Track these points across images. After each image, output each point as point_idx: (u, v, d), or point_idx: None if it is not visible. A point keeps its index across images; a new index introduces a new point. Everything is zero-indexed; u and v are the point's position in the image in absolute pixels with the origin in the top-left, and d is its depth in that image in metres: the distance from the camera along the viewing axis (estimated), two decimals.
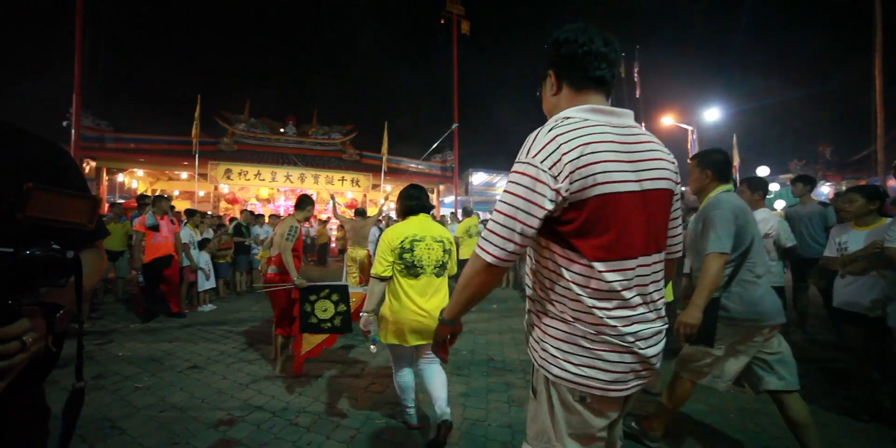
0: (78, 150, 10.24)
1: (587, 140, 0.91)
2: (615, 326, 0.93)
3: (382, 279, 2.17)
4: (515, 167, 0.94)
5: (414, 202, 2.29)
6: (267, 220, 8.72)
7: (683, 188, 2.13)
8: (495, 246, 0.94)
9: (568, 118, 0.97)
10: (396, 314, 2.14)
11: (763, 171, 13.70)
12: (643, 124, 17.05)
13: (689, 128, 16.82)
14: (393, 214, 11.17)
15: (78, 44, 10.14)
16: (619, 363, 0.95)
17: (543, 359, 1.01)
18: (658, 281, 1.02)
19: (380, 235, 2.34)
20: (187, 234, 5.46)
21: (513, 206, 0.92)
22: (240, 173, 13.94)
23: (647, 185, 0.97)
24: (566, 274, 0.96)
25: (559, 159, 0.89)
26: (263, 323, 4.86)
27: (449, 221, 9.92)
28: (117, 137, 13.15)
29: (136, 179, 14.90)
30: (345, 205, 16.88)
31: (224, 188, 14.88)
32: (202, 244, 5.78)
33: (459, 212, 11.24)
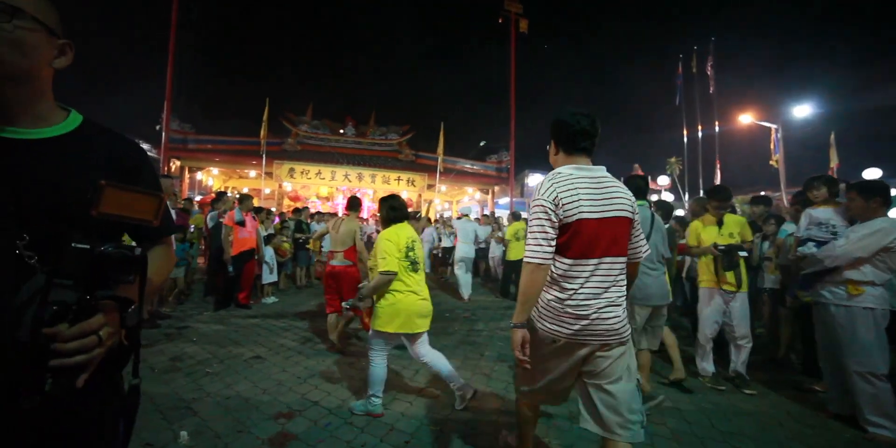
0: (167, 151, 11.32)
1: (570, 187, 1.52)
2: (578, 300, 1.52)
3: (393, 274, 2.51)
4: (535, 202, 1.54)
5: (399, 212, 2.70)
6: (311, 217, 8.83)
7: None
8: (537, 252, 1.49)
9: (560, 173, 1.58)
10: (409, 306, 2.53)
11: (873, 173, 11.63)
12: (717, 123, 15.71)
13: (773, 126, 15.22)
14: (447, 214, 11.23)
15: (171, 56, 11.22)
16: (574, 323, 1.52)
17: (536, 314, 1.62)
18: (616, 275, 1.55)
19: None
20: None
21: (540, 223, 1.50)
22: (302, 172, 14.69)
23: (608, 214, 1.52)
24: (553, 267, 1.55)
25: (555, 197, 1.50)
26: (321, 319, 5.01)
27: (506, 223, 9.79)
28: (197, 139, 14.40)
29: (211, 177, 16.23)
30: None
31: (287, 186, 15.76)
32: (267, 239, 6.11)
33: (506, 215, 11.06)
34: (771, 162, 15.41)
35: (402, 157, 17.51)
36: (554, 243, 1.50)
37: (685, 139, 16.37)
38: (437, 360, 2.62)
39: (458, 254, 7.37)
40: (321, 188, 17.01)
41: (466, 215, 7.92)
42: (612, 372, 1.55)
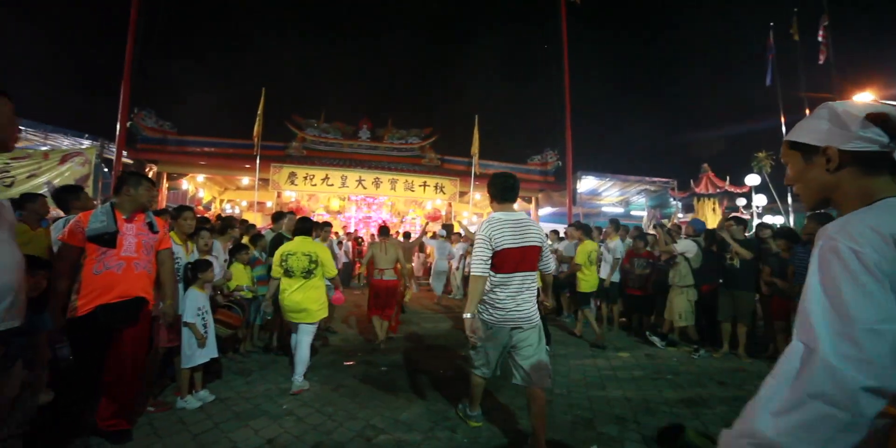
0: (121, 148, 8.61)
1: (499, 228, 2.40)
2: (503, 299, 2.41)
3: (276, 279, 3.46)
4: (478, 236, 2.44)
5: (307, 225, 3.67)
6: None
7: None
8: (481, 268, 2.38)
9: (494, 217, 2.47)
10: (284, 303, 3.45)
11: None
12: (837, 97, 12.25)
13: None
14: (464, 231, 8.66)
15: (132, 26, 8.70)
16: (501, 312, 2.42)
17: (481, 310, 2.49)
18: (531, 282, 2.49)
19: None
20: None
21: (481, 251, 2.39)
22: (306, 178, 11.85)
23: (524, 244, 2.42)
24: (491, 279, 2.43)
25: (489, 235, 2.39)
26: None
27: (565, 241, 6.74)
28: (180, 140, 11.79)
29: (200, 187, 13.56)
30: (427, 217, 14.19)
31: (291, 196, 12.93)
32: (195, 268, 3.06)
33: (562, 228, 7.86)
34: None
35: (425, 162, 14.54)
36: (489, 263, 2.39)
37: (783, 126, 12.96)
38: (302, 352, 3.35)
39: (434, 268, 8.58)
40: (332, 200, 14.15)
41: (443, 236, 8.76)
42: (527, 344, 2.44)
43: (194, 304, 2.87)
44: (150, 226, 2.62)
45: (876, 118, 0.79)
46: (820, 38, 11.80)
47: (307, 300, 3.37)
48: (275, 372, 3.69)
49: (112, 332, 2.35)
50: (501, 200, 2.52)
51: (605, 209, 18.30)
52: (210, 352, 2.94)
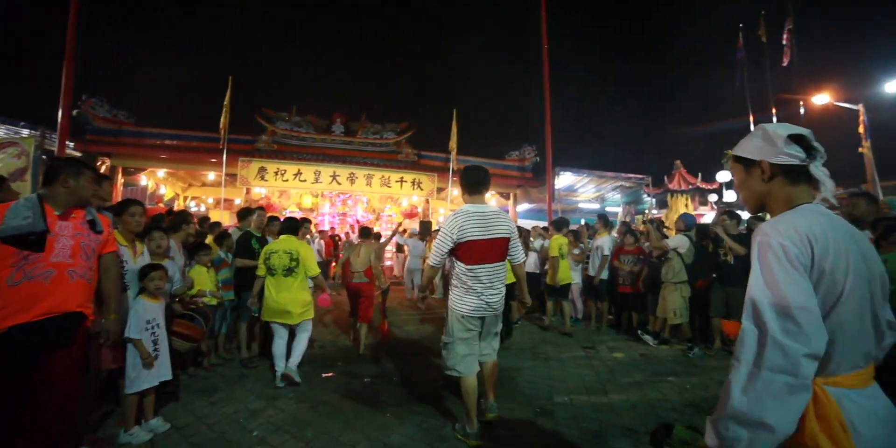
0: (65, 138, 7.75)
1: (465, 220, 2.45)
2: (476, 289, 2.47)
3: (261, 278, 3.51)
4: (441, 230, 2.53)
5: (293, 224, 3.67)
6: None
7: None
8: (435, 258, 2.51)
9: (462, 209, 2.52)
10: (267, 302, 3.47)
11: None
12: (802, 103, 12.57)
13: (858, 107, 12.29)
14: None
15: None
16: (475, 303, 2.48)
17: (451, 300, 2.57)
18: (500, 273, 2.56)
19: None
20: None
21: (441, 244, 2.48)
22: (276, 173, 11.19)
23: (491, 236, 2.47)
24: (459, 269, 2.50)
25: (454, 227, 2.44)
26: None
27: (538, 237, 6.62)
28: (137, 131, 10.86)
29: (162, 183, 12.61)
30: (403, 214, 13.79)
31: (261, 192, 12.23)
32: (146, 272, 2.61)
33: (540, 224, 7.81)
34: (861, 150, 12.45)
35: (401, 157, 14.11)
36: (445, 256, 2.52)
37: (751, 125, 13.33)
38: (300, 344, 3.48)
39: (407, 265, 8.77)
40: (304, 198, 13.49)
41: (415, 234, 9.02)
42: (494, 329, 2.66)
43: (141, 316, 2.41)
44: (92, 224, 2.16)
45: (795, 138, 0.98)
46: (784, 41, 12.14)
47: (290, 302, 3.38)
48: (244, 389, 3.27)
49: (39, 357, 1.90)
50: (471, 193, 2.59)
51: (581, 205, 18.41)
52: (161, 373, 2.49)
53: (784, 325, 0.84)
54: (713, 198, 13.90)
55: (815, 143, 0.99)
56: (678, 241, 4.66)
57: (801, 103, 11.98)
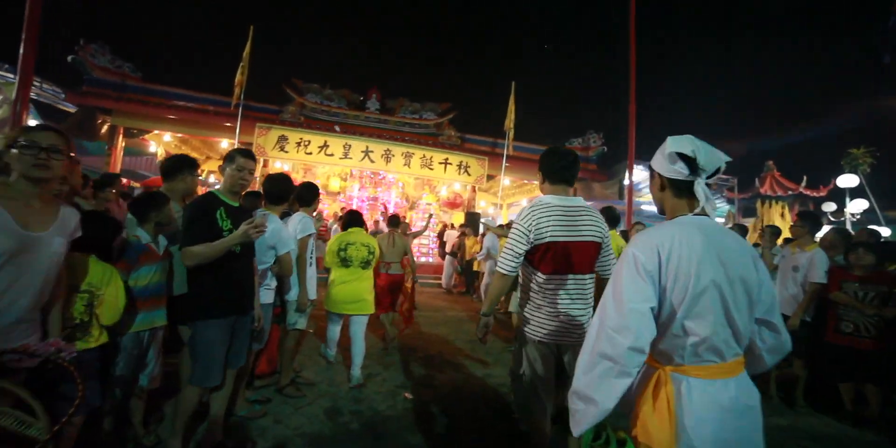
0: (29, 83, 6.07)
1: (544, 214, 1.85)
2: (552, 306, 1.86)
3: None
4: (514, 225, 1.89)
5: (359, 217, 3.61)
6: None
7: None
8: (508, 263, 1.86)
9: (542, 201, 1.92)
10: (336, 294, 3.31)
11: None
12: None
13: None
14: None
15: None
16: (553, 325, 1.86)
17: (522, 321, 1.99)
18: (587, 288, 1.90)
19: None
20: None
21: (515, 244, 1.85)
22: (299, 144, 9.40)
23: (579, 238, 1.86)
24: (532, 279, 1.90)
25: (530, 223, 1.84)
26: None
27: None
28: (144, 88, 9.27)
29: (174, 152, 11.08)
30: (444, 202, 11.85)
31: (282, 167, 10.49)
32: None
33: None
34: None
35: (443, 139, 12.12)
36: (520, 260, 1.87)
37: None
38: (358, 344, 3.25)
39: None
40: (332, 179, 11.68)
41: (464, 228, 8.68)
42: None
43: None
44: None
45: (680, 155, 1.12)
46: None
47: (364, 290, 3.37)
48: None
49: None
50: (554, 181, 1.99)
51: (644, 208, 16.02)
52: None
53: (616, 321, 1.05)
54: (830, 206, 11.25)
55: (701, 163, 1.09)
56: None
57: None
